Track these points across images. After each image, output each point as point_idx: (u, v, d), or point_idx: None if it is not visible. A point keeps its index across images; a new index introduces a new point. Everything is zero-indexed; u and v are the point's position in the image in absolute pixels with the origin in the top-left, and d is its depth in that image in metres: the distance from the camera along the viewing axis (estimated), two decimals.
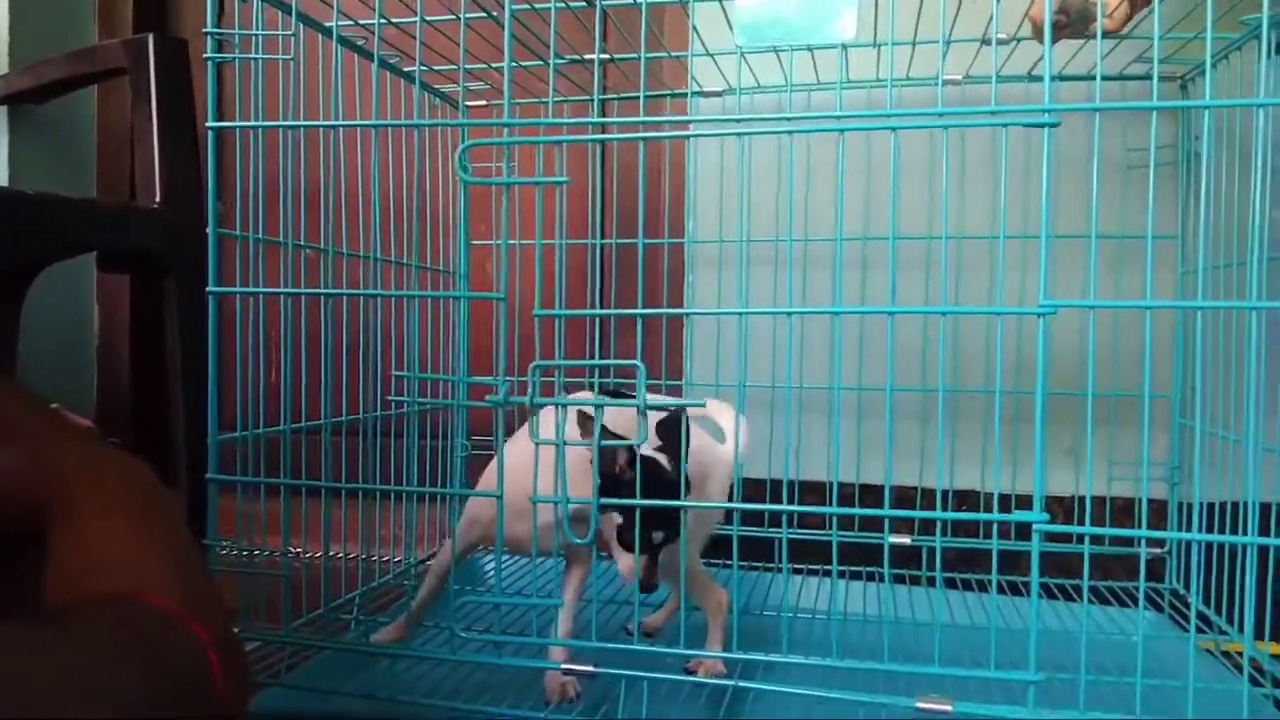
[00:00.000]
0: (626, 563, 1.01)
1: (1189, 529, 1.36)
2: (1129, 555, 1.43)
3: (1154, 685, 1.04)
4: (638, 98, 0.91)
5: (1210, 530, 1.23)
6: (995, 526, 0.96)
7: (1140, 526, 1.05)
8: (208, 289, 1.05)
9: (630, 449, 0.98)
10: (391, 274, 1.33)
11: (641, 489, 0.97)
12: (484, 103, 1.57)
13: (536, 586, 1.00)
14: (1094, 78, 1.40)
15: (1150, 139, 0.89)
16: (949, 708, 0.93)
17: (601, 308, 1.62)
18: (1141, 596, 0.95)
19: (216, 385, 1.09)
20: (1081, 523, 1.14)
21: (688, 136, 0.95)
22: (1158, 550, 1.47)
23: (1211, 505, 1.28)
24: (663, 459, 1.02)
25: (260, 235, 1.12)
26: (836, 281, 0.94)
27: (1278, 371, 1.00)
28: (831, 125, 0.93)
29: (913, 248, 1.49)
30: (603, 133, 1.37)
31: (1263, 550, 0.94)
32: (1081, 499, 1.47)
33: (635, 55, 0.99)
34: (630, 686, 1.01)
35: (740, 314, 0.90)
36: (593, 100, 1.03)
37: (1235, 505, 1.10)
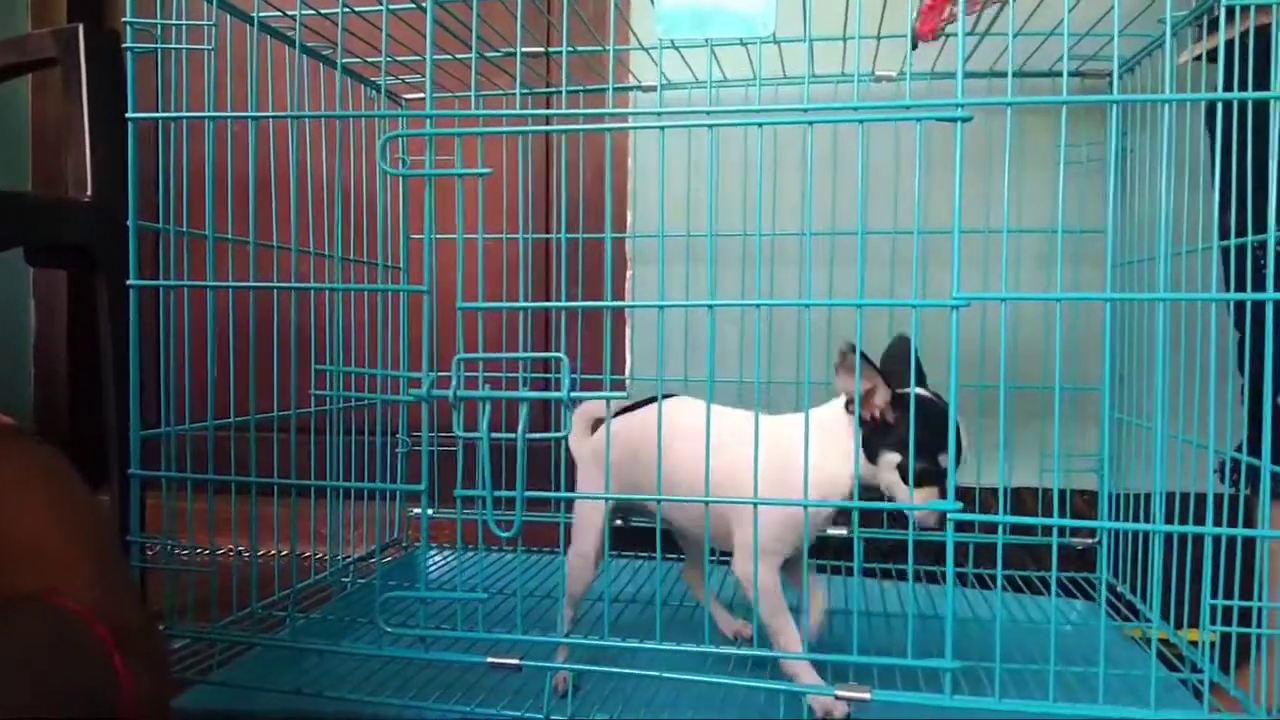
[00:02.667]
0: (921, 498, 0.97)
1: (1121, 519, 1.39)
2: (1062, 545, 1.45)
3: (1076, 672, 1.06)
4: (559, 91, 0.91)
5: (1139, 521, 1.25)
6: (912, 516, 0.98)
7: (1054, 515, 1.07)
8: (127, 282, 1.04)
9: (889, 389, 0.99)
10: (325, 267, 1.32)
11: (918, 424, 0.95)
12: (421, 95, 1.55)
13: (462, 581, 1.00)
14: (1019, 74, 1.43)
15: (1061, 134, 0.90)
16: (867, 696, 0.94)
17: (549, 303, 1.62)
18: (1054, 584, 0.97)
19: (139, 380, 1.07)
20: (1013, 515, 1.16)
21: (605, 130, 0.95)
22: (1089, 540, 1.50)
23: (1139, 496, 1.30)
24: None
25: (185, 228, 1.11)
26: (757, 275, 0.95)
27: (1204, 363, 1.02)
28: (751, 120, 0.94)
29: (852, 243, 1.50)
30: (528, 125, 1.36)
31: (1187, 537, 0.96)
32: (1013, 490, 1.50)
33: (558, 49, 0.99)
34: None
35: (660, 306, 0.90)
36: (516, 94, 1.03)
37: (1166, 496, 1.12)
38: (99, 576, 0.78)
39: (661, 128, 0.92)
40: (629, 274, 1.64)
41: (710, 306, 0.96)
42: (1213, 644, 1.04)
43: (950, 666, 0.92)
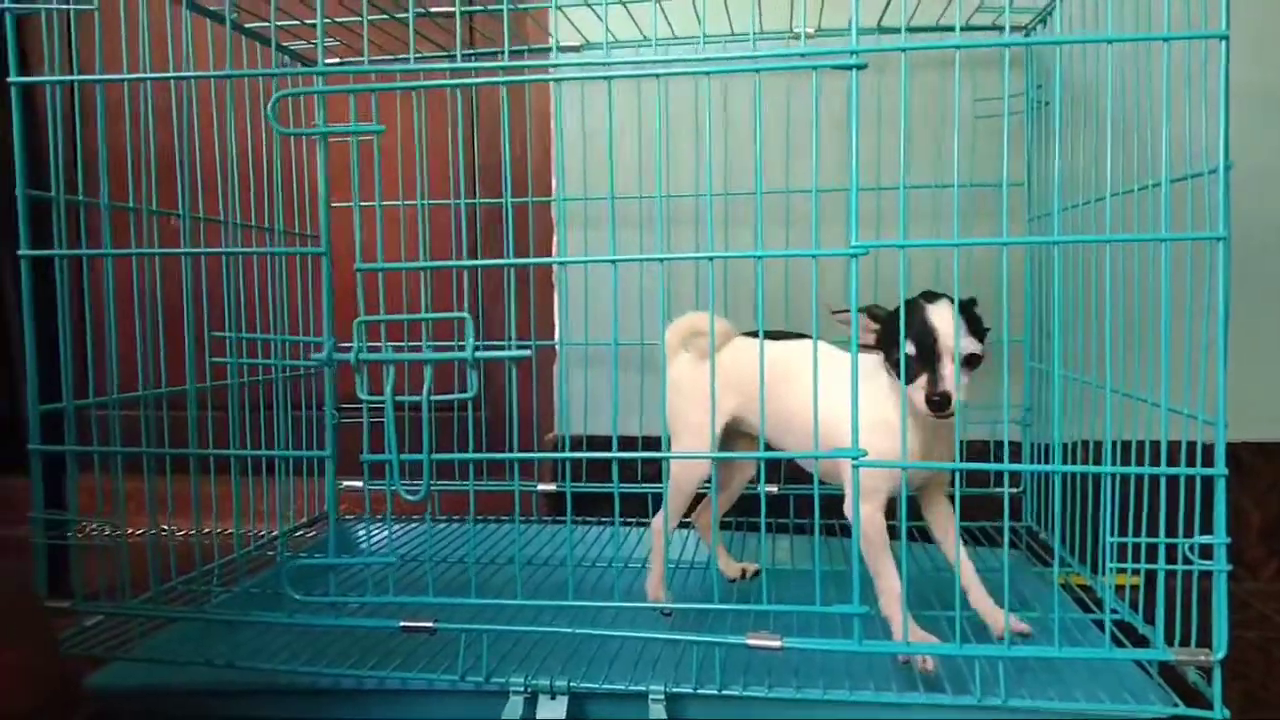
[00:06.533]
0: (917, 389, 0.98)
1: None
2: (988, 496, 1.47)
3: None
4: (453, 54, 0.90)
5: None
6: (816, 466, 0.98)
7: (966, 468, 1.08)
8: (19, 252, 1.01)
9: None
10: (249, 238, 1.30)
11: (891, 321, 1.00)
12: (338, 60, 1.53)
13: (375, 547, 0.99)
14: (936, 29, 1.43)
15: (956, 81, 0.90)
16: (778, 643, 0.95)
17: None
18: (957, 532, 0.98)
19: (38, 356, 1.05)
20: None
21: (497, 83, 0.94)
22: (1014, 490, 1.52)
23: (1071, 445, 1.32)
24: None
25: (80, 197, 1.08)
26: (659, 229, 0.95)
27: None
28: (646, 73, 0.93)
29: (770, 201, 1.51)
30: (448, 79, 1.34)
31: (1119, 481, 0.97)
32: None
33: (451, 10, 0.98)
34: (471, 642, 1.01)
35: (562, 263, 0.89)
36: (409, 56, 1.01)
37: (1087, 444, 1.13)
38: None
39: (557, 80, 0.91)
40: (555, 239, 1.63)
41: (614, 262, 0.95)
42: (1135, 587, 1.06)
43: (858, 612, 0.93)
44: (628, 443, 1.54)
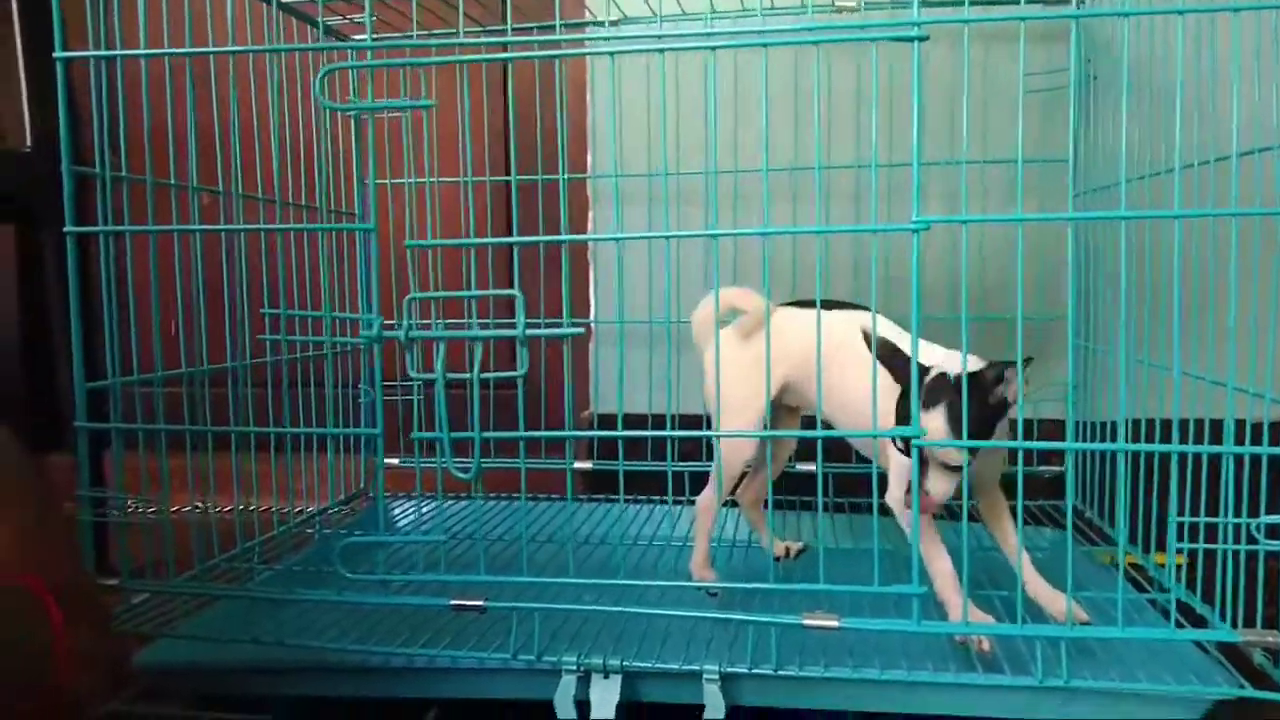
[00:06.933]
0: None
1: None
2: (1032, 474, 1.46)
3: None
4: (492, 29, 0.88)
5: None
6: (875, 445, 0.97)
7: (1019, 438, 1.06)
8: (65, 229, 1.00)
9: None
10: (285, 214, 1.28)
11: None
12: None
13: (435, 526, 0.98)
14: (984, 2, 1.40)
15: (1020, 53, 0.88)
16: (835, 623, 0.94)
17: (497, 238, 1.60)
18: (1020, 520, 0.96)
19: (81, 333, 1.05)
20: None
21: (552, 56, 0.92)
22: (1058, 469, 1.50)
23: (1108, 424, 1.31)
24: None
25: (125, 174, 1.07)
26: (713, 206, 0.93)
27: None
28: (705, 44, 0.91)
29: (826, 176, 1.49)
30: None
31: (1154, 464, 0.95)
32: None
33: None
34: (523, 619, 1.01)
35: (616, 239, 0.88)
36: (459, 30, 0.99)
37: (1139, 422, 1.11)
38: (21, 533, 0.77)
39: (611, 54, 0.89)
40: (591, 215, 1.61)
41: (666, 238, 0.94)
42: (1184, 566, 1.05)
43: (917, 592, 0.92)
44: (663, 421, 1.53)
